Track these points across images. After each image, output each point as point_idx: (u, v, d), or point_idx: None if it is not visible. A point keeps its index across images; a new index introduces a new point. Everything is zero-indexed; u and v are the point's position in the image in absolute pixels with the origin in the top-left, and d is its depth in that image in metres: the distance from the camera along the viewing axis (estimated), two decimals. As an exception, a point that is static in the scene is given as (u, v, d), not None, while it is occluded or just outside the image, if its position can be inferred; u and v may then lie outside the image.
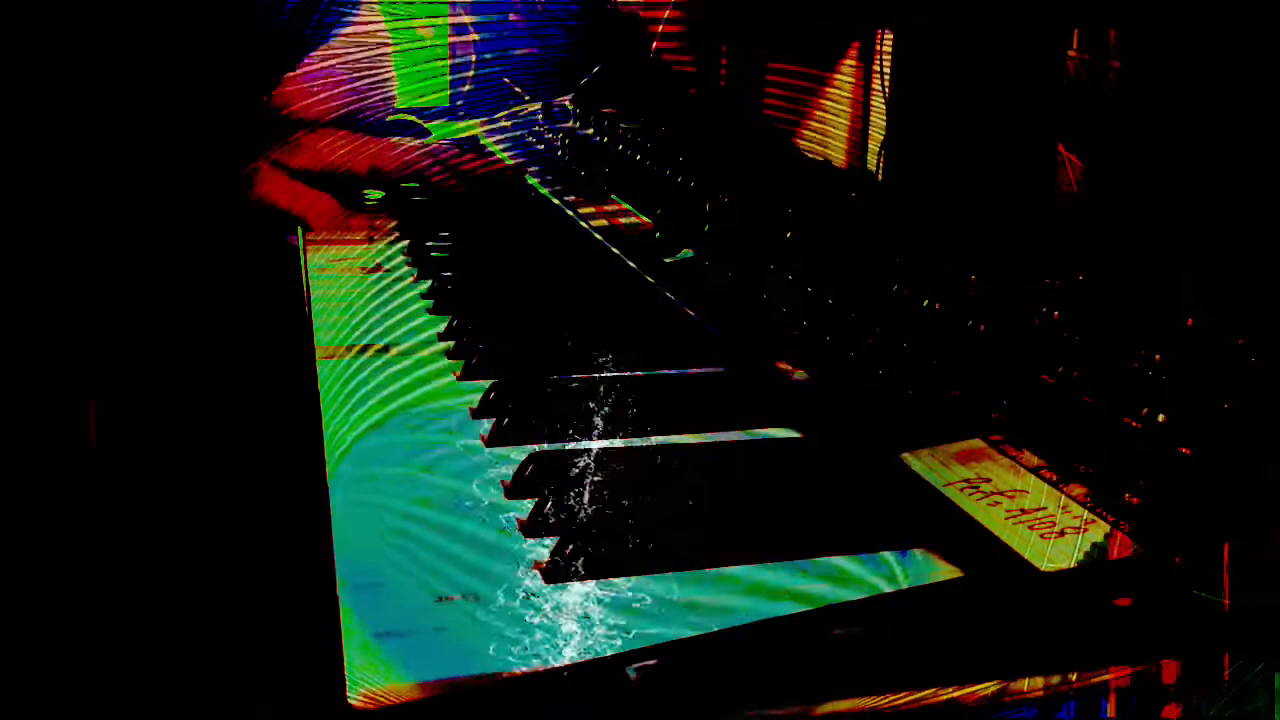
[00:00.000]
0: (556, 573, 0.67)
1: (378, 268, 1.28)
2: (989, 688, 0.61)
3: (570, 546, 0.67)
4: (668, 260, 1.19)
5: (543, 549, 0.69)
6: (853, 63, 1.61)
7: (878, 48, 1.54)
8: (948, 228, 1.09)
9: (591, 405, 0.91)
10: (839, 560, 0.69)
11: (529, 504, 0.74)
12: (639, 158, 1.47)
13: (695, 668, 0.61)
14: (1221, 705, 0.65)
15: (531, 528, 0.72)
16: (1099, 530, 0.68)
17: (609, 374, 0.98)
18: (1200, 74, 1.00)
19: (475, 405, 0.90)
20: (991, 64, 1.23)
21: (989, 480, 0.73)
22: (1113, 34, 1.09)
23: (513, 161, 1.72)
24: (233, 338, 1.26)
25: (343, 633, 0.61)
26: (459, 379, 0.96)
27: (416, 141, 1.70)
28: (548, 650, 0.60)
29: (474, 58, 2.16)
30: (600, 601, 0.65)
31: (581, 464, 0.82)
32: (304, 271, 1.26)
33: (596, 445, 0.85)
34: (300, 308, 1.17)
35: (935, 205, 1.10)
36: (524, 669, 0.59)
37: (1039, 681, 0.62)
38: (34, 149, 1.14)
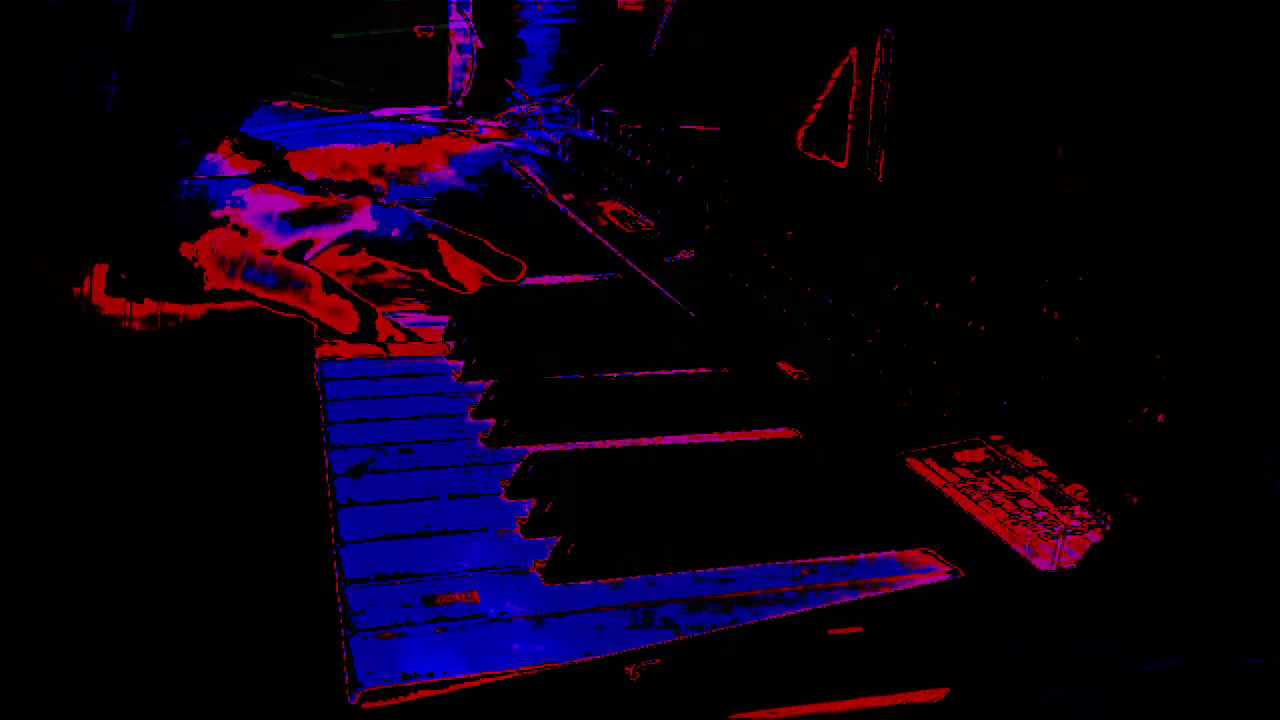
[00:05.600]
0: (556, 572, 0.67)
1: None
2: (988, 687, 0.61)
3: (570, 546, 0.67)
4: (668, 260, 1.19)
5: (543, 548, 0.69)
6: (853, 63, 1.62)
7: (878, 48, 1.54)
8: (948, 228, 1.09)
9: (592, 405, 0.92)
10: (839, 560, 0.69)
11: (529, 504, 0.74)
12: (639, 158, 1.47)
13: (695, 668, 0.61)
14: (1222, 705, 0.65)
15: (532, 528, 0.72)
16: (1099, 530, 0.68)
17: (609, 374, 0.98)
18: (1200, 73, 1.00)
19: (475, 405, 0.90)
20: (991, 63, 1.23)
21: (989, 480, 0.73)
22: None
23: (491, 136, 1.72)
24: (230, 337, 1.26)
25: (343, 631, 0.61)
26: (459, 379, 0.97)
27: (413, 142, 1.70)
28: (548, 650, 0.60)
29: (474, 58, 2.17)
30: (599, 601, 0.65)
31: (582, 464, 0.82)
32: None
33: (596, 445, 0.85)
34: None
35: (935, 205, 1.10)
36: (524, 669, 0.59)
37: (1038, 682, 0.62)
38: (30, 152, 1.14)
